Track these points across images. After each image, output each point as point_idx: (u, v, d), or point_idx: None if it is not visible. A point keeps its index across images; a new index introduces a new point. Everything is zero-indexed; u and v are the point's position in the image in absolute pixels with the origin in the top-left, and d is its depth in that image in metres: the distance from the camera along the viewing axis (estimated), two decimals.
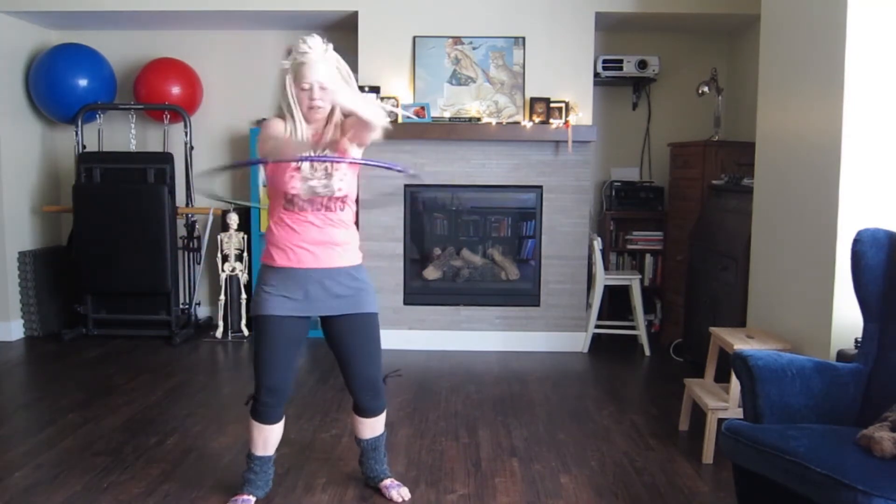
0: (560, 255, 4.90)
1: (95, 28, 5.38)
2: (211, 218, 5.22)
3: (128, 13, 4.92)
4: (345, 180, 2.44)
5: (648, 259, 5.26)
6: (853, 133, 2.89)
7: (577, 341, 4.92)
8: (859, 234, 2.49)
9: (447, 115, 4.86)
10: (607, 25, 5.11)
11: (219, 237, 5.14)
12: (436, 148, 4.81)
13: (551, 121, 4.75)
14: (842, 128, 2.90)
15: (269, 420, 2.57)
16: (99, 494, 2.70)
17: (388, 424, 2.81)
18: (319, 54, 2.35)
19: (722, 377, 3.35)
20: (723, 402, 3.11)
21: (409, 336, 4.88)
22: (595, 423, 3.56)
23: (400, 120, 4.67)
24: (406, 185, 4.85)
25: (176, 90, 5.18)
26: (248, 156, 5.18)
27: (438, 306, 4.95)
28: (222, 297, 5.12)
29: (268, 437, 2.61)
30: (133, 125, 5.25)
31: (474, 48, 4.87)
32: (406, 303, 4.93)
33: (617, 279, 4.96)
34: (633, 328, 5.05)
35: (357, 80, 3.01)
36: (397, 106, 4.57)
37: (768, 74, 3.69)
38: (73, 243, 5.05)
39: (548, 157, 4.84)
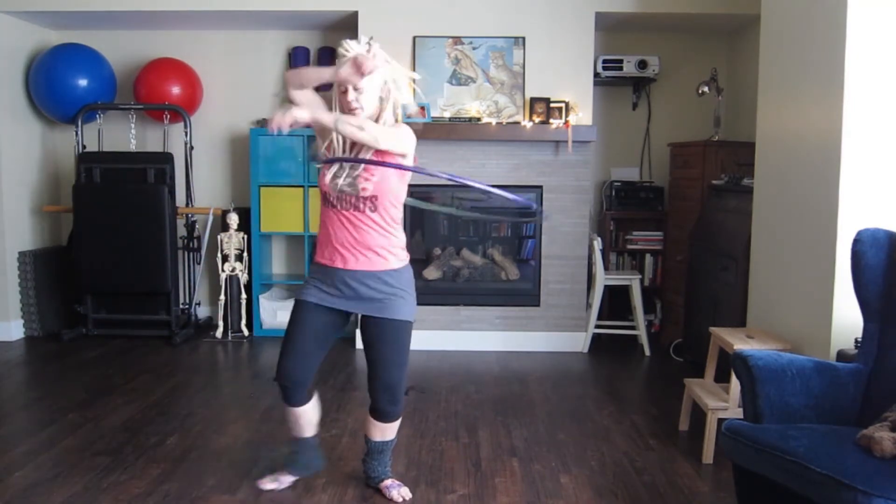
0: (560, 255, 4.90)
1: (95, 28, 5.38)
2: (211, 218, 5.22)
3: (128, 13, 4.91)
4: (372, 181, 2.42)
5: (648, 259, 5.26)
6: (853, 133, 2.89)
7: (577, 341, 4.92)
8: (859, 234, 2.50)
9: (447, 115, 4.86)
10: (607, 25, 5.11)
11: (219, 237, 5.13)
12: (436, 148, 4.81)
13: (551, 121, 4.75)
14: (842, 128, 2.90)
15: (290, 402, 2.61)
16: (99, 494, 2.70)
17: None
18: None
19: (722, 377, 3.35)
20: (723, 402, 3.11)
21: None
22: (595, 423, 3.56)
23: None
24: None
25: (176, 90, 5.18)
26: (248, 155, 5.17)
27: (438, 306, 4.95)
28: (222, 297, 5.12)
29: (296, 419, 2.66)
30: (133, 125, 5.25)
31: (474, 48, 4.87)
32: None
33: (617, 279, 4.96)
34: (633, 328, 5.05)
35: None
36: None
37: (768, 74, 3.69)
38: (73, 243, 5.05)
39: (548, 157, 4.84)
